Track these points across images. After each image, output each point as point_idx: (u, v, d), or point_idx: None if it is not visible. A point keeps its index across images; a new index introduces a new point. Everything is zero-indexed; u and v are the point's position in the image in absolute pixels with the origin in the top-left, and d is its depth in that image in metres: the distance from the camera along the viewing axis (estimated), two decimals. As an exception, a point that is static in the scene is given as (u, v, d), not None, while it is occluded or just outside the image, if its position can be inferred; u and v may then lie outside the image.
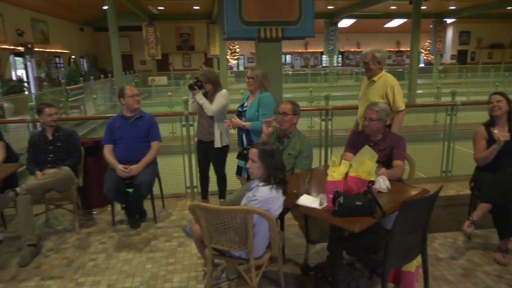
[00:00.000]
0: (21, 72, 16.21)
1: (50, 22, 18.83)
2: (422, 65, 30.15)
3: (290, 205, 2.44)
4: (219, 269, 2.70)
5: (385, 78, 3.55)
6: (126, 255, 3.27)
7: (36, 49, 16.56)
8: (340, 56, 31.42)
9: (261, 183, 2.32)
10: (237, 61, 29.90)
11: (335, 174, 2.32)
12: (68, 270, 3.07)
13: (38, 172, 3.55)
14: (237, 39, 4.01)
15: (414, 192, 2.56)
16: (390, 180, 2.58)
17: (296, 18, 3.87)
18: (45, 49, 17.92)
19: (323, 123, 4.70)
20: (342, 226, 2.19)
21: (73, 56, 21.63)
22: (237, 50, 28.48)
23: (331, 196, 2.26)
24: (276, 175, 2.32)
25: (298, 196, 2.41)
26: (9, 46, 14.56)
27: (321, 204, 2.29)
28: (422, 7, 17.42)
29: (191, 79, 3.81)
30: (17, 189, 3.35)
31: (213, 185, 4.20)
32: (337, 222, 2.17)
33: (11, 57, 15.07)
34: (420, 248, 2.41)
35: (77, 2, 18.55)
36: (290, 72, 25.88)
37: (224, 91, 3.81)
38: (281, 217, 2.96)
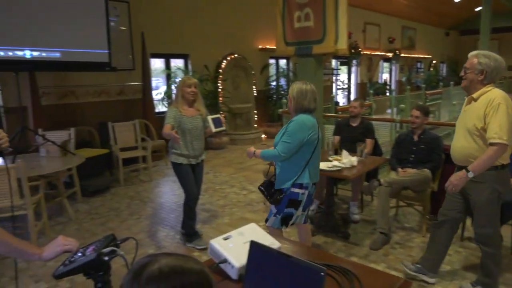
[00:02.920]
0: (385, 76, 17.97)
1: (418, 29, 19.65)
2: None
3: None
4: None
5: (489, 95, 2.44)
6: (472, 276, 3.01)
7: (402, 54, 17.80)
8: None
9: None
10: None
11: None
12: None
13: (399, 169, 3.83)
14: None
15: None
16: None
17: None
18: (410, 54, 18.95)
19: None
20: None
21: (434, 61, 21.77)
22: None
23: None
24: None
25: None
26: (381, 52, 16.43)
27: None
28: None
29: None
30: (382, 180, 3.76)
31: None
32: None
33: (381, 62, 16.98)
34: None
35: (448, 6, 18.37)
36: None
37: None
38: None
